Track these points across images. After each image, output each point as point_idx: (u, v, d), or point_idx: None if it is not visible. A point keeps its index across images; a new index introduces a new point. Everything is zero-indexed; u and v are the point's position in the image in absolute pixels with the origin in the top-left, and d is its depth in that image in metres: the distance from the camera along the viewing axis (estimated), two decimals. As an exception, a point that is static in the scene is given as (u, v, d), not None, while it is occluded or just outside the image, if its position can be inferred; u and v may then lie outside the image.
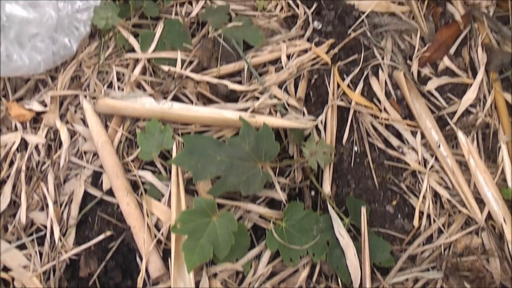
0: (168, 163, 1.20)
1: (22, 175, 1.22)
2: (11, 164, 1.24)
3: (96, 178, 1.24)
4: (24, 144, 1.26)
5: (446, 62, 1.36)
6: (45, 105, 1.28)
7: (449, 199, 1.23)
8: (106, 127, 1.26)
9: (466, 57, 1.38)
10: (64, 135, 1.25)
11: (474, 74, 1.36)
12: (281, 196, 1.18)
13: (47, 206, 1.20)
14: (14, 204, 1.22)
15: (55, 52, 1.27)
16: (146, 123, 1.21)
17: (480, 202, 1.23)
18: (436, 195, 1.25)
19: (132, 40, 1.32)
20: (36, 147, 1.25)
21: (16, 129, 1.27)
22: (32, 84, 1.31)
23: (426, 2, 1.42)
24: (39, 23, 1.25)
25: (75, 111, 1.28)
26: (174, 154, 1.19)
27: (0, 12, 1.22)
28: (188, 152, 1.12)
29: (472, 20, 1.41)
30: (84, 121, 1.27)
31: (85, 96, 1.28)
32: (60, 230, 1.18)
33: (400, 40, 1.39)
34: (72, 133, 1.26)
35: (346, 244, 1.15)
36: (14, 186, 1.22)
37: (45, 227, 1.19)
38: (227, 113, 1.22)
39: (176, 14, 1.38)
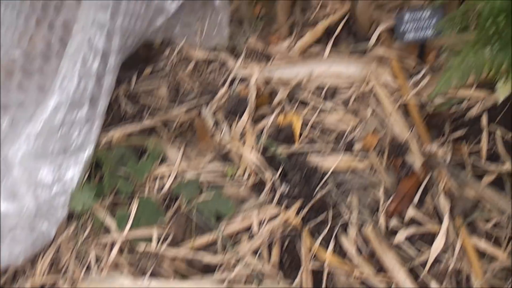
0: None
1: None
2: None
3: None
4: (5, 336, 1.29)
5: (411, 212, 1.44)
6: (25, 294, 1.33)
7: None
8: (87, 311, 1.30)
9: (430, 205, 1.46)
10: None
11: (440, 221, 1.43)
12: None
13: None
14: None
15: (34, 241, 1.34)
16: (126, 304, 1.26)
17: None
18: None
19: (109, 220, 1.39)
20: None
21: (-3, 321, 1.31)
22: (10, 274, 1.36)
23: (385, 156, 1.52)
24: (18, 215, 1.32)
25: (55, 298, 1.33)
26: (155, 333, 1.23)
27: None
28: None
29: (431, 168, 1.51)
30: (64, 309, 1.31)
31: (66, 280, 1.33)
32: None
33: (365, 195, 1.47)
34: (54, 322, 1.30)
35: None
36: None
37: None
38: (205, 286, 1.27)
39: (150, 189, 1.46)
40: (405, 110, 1.64)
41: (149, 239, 1.36)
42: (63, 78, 1.52)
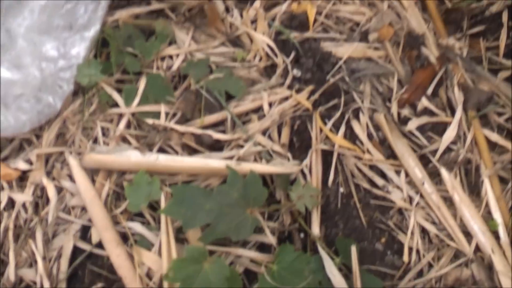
0: (158, 213, 1.31)
1: (10, 233, 1.32)
2: (-2, 223, 1.34)
3: (84, 232, 1.34)
4: (11, 203, 1.36)
5: (424, 102, 1.50)
6: (31, 163, 1.39)
7: (436, 233, 1.35)
8: (93, 181, 1.36)
9: (444, 97, 1.53)
10: (51, 192, 1.35)
11: (453, 113, 1.49)
12: (271, 239, 1.29)
13: (36, 262, 1.29)
14: (2, 263, 1.30)
15: (40, 112, 1.39)
16: (134, 176, 1.32)
17: (467, 235, 1.35)
18: (423, 230, 1.36)
19: (116, 96, 1.44)
20: (23, 205, 1.35)
21: (2, 188, 1.37)
22: (16, 143, 1.42)
23: (401, 46, 1.57)
24: (23, 83, 1.38)
25: (61, 168, 1.39)
26: (162, 204, 1.30)
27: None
28: (177, 202, 1.24)
29: (447, 61, 1.56)
30: (70, 177, 1.38)
31: (71, 153, 1.39)
32: (50, 285, 1.27)
33: (378, 84, 1.53)
34: (59, 189, 1.37)
35: (339, 283, 1.25)
36: (1, 245, 1.31)
37: (35, 283, 1.28)
38: (213, 162, 1.33)
39: (158, 68, 1.51)
40: (422, 4, 1.68)
41: (157, 115, 1.42)
42: (70, -46, 1.55)
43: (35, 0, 1.46)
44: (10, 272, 1.29)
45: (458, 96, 1.51)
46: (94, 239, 1.32)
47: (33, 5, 1.46)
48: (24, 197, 1.36)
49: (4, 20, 1.43)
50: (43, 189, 1.37)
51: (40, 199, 1.36)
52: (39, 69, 1.41)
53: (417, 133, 1.47)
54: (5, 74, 1.36)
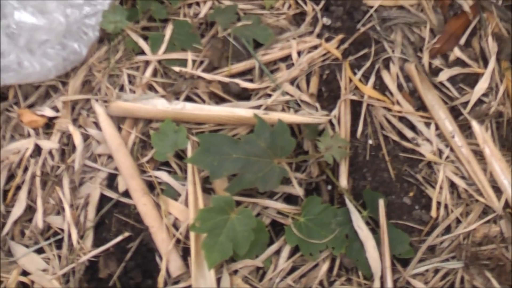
0: (184, 162, 1.28)
1: (37, 180, 1.30)
2: (26, 170, 1.32)
3: (111, 181, 1.31)
4: (37, 150, 1.34)
5: (456, 53, 1.44)
6: (57, 111, 1.36)
7: (466, 188, 1.31)
8: (119, 129, 1.33)
9: (477, 47, 1.46)
10: (77, 139, 1.33)
11: (486, 64, 1.43)
12: (299, 191, 1.26)
13: (63, 209, 1.28)
14: (30, 209, 1.29)
15: (65, 58, 1.35)
16: (160, 124, 1.29)
17: (497, 190, 1.30)
18: (452, 185, 1.32)
19: (142, 43, 1.40)
20: (50, 152, 1.33)
21: (29, 135, 1.35)
22: (43, 90, 1.39)
23: (434, -6, 1.51)
24: (48, 29, 1.33)
25: (88, 115, 1.36)
26: (189, 153, 1.27)
27: (10, 20, 1.30)
28: (204, 150, 1.20)
29: (481, 10, 1.49)
30: (96, 125, 1.35)
31: (97, 100, 1.36)
32: (78, 233, 1.25)
33: (409, 33, 1.47)
34: (85, 137, 1.34)
35: (365, 237, 1.22)
36: (29, 192, 1.30)
37: (62, 230, 1.27)
38: (240, 111, 1.30)
39: (184, 15, 1.46)
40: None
41: (183, 63, 1.38)
42: None
43: None
44: (38, 219, 1.28)
45: (491, 46, 1.44)
46: (121, 187, 1.30)
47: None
48: (50, 144, 1.33)
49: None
50: (69, 137, 1.35)
51: (67, 147, 1.34)
52: (63, 15, 1.36)
53: (448, 85, 1.41)
54: (30, 19, 1.32)
